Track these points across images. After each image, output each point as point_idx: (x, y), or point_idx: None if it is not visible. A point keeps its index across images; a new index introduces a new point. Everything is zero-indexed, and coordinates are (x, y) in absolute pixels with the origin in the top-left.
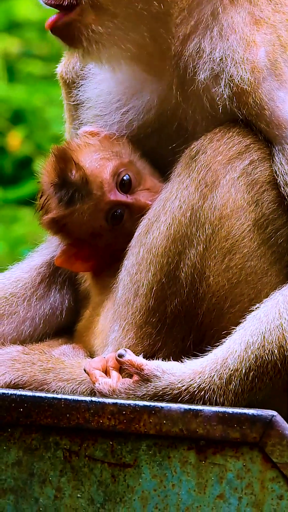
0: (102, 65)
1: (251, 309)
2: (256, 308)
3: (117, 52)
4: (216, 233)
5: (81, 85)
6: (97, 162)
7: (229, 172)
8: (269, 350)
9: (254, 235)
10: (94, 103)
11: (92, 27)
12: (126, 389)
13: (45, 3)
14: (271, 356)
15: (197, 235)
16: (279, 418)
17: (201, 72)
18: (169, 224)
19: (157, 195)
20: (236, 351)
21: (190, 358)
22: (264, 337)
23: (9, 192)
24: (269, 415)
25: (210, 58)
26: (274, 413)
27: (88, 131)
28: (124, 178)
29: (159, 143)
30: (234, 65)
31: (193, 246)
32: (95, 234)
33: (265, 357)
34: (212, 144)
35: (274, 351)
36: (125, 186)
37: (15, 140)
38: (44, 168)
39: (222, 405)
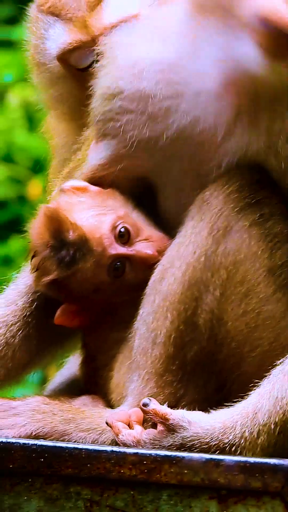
0: None
1: (271, 352)
2: (280, 363)
3: None
4: (232, 278)
5: None
6: (94, 218)
7: (241, 220)
8: None
9: (270, 281)
10: None
11: None
12: (151, 439)
13: None
14: None
15: (213, 280)
16: None
17: None
18: (184, 270)
19: (157, 244)
20: (264, 406)
21: (213, 405)
22: None
23: None
24: None
25: None
26: None
27: (75, 186)
28: (121, 230)
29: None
30: None
31: (209, 291)
32: (96, 289)
33: None
34: (224, 189)
35: None
36: (123, 238)
37: (35, 189)
38: (35, 229)
39: None
